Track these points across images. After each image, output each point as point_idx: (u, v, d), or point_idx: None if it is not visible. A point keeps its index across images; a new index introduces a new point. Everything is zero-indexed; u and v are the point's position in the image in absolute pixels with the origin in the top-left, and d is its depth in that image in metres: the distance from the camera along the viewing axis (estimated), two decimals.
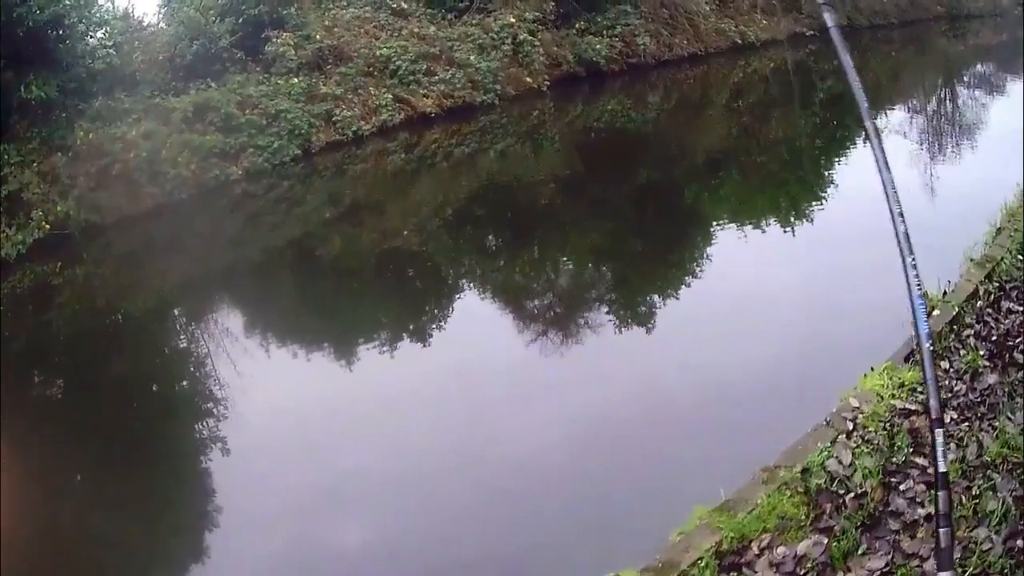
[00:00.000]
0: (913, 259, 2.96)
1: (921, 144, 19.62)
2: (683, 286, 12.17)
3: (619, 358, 9.84)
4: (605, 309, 11.75)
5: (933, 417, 2.99)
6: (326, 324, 12.23)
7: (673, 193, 17.44)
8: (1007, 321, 7.05)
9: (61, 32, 16.39)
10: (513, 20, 24.13)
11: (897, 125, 21.31)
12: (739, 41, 30.26)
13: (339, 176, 19.50)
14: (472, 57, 22.93)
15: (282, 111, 19.00)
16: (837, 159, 18.88)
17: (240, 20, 21.04)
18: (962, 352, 6.50)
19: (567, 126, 24.09)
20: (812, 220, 14.21)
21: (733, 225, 14.61)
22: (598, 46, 26.36)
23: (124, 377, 11.20)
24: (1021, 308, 7.29)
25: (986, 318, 7.09)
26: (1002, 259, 8.16)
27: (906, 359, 6.38)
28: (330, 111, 20.15)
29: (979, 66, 32.13)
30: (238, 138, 17.99)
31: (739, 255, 12.90)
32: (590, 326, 10.99)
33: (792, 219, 14.38)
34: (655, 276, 12.73)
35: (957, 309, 7.03)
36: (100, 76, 17.61)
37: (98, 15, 17.91)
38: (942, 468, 2.97)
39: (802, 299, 10.33)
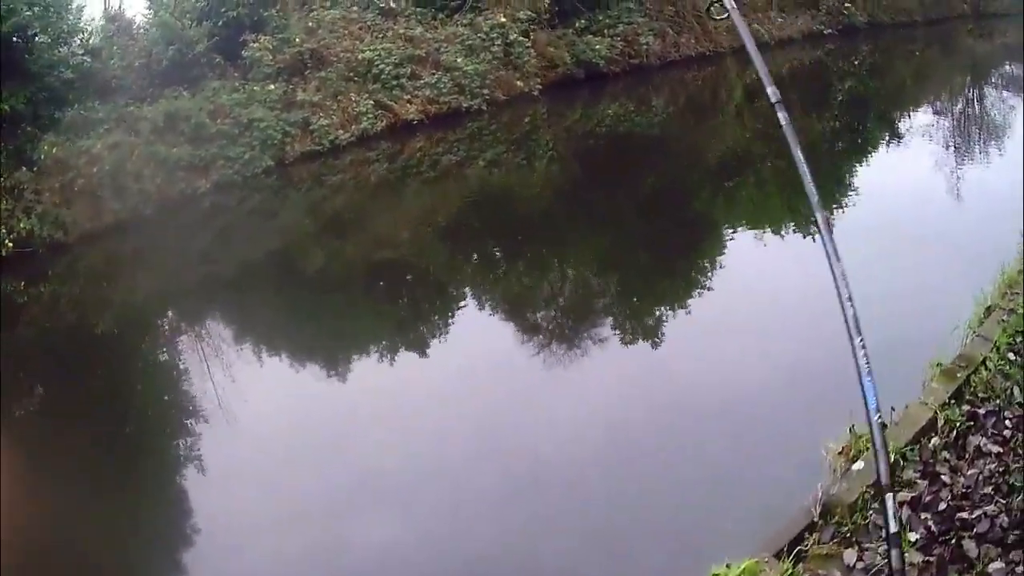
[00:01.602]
0: (862, 340, 3.33)
1: (947, 147, 19.66)
2: (689, 300, 12.73)
3: (629, 373, 10.48)
4: (608, 323, 12.34)
5: (883, 483, 3.42)
6: (308, 338, 12.85)
7: (680, 204, 17.76)
8: (971, 471, 5.32)
9: (26, 43, 16.69)
10: (504, 20, 24.42)
11: (922, 128, 21.30)
12: (754, 39, 30.07)
13: (316, 188, 20.05)
14: (460, 60, 23.32)
15: (255, 120, 19.54)
16: (858, 163, 19.11)
17: (219, 23, 21.63)
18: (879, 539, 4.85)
19: (564, 132, 24.47)
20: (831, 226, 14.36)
21: (747, 236, 15.08)
22: (598, 46, 26.54)
23: (98, 391, 11.85)
24: (997, 449, 5.55)
25: (938, 469, 5.44)
26: (984, 362, 6.65)
27: None
28: (307, 119, 20.70)
29: (1007, 66, 31.88)
30: (208, 149, 18.54)
31: (755, 265, 13.41)
32: (593, 341, 11.52)
33: (808, 227, 14.29)
34: (659, 290, 13.20)
35: (894, 456, 5.43)
36: (74, 85, 17.98)
37: (68, 23, 18.22)
38: (893, 529, 3.41)
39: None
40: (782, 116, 3.58)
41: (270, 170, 19.64)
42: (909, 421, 6.06)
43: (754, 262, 13.62)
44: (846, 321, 3.36)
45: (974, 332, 7.39)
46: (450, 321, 12.96)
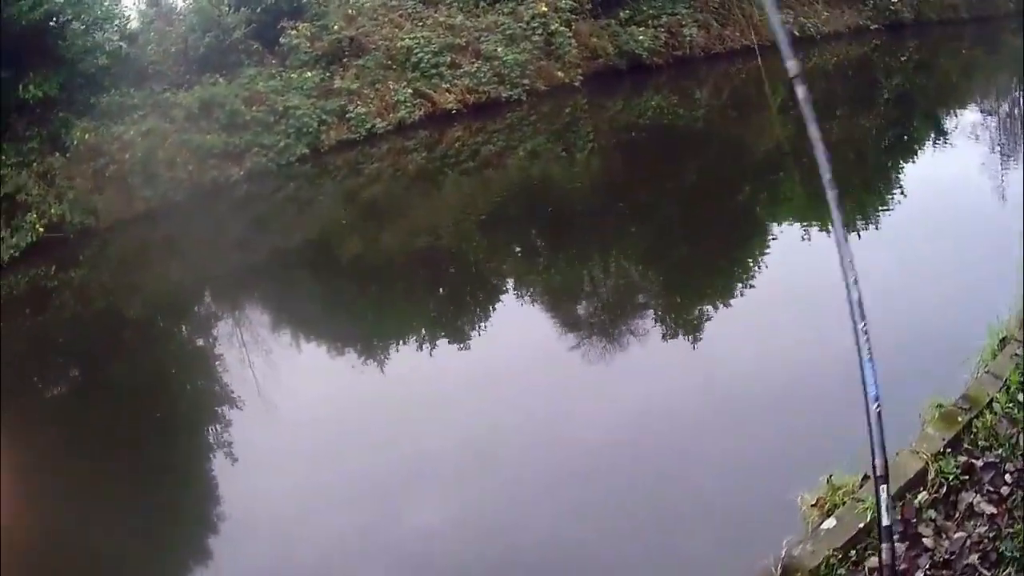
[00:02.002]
0: (864, 325, 3.27)
1: (992, 149, 18.91)
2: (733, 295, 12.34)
3: (670, 365, 10.39)
4: (650, 315, 12.10)
5: (878, 475, 3.32)
6: (346, 327, 12.87)
7: (724, 198, 17.18)
8: (958, 534, 4.74)
9: (60, 29, 16.52)
10: (545, 9, 23.86)
11: (967, 127, 20.57)
12: (797, 34, 29.29)
13: (353, 176, 19.72)
14: (500, 49, 22.81)
15: (291, 107, 19.23)
16: (905, 160, 18.45)
17: (258, 10, 21.37)
18: None
19: (605, 123, 23.94)
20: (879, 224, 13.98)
21: (793, 231, 14.55)
22: (641, 37, 25.89)
23: (127, 378, 11.77)
24: (991, 509, 4.97)
25: (921, 531, 4.84)
26: (990, 403, 5.85)
27: None
28: (344, 107, 20.37)
29: None
30: (243, 137, 18.29)
31: (797, 261, 13.03)
32: (635, 334, 11.33)
33: (857, 222, 14.03)
34: (702, 284, 12.86)
35: (871, 515, 4.82)
36: (110, 70, 17.86)
37: (103, 9, 18.05)
38: (886, 522, 3.29)
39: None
40: (800, 91, 3.49)
41: (305, 158, 19.35)
42: (896, 472, 5.21)
43: (797, 258, 13.17)
44: (850, 304, 3.33)
45: (985, 366, 6.54)
46: (492, 311, 12.76)
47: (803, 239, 13.91)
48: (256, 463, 9.08)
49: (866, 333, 3.31)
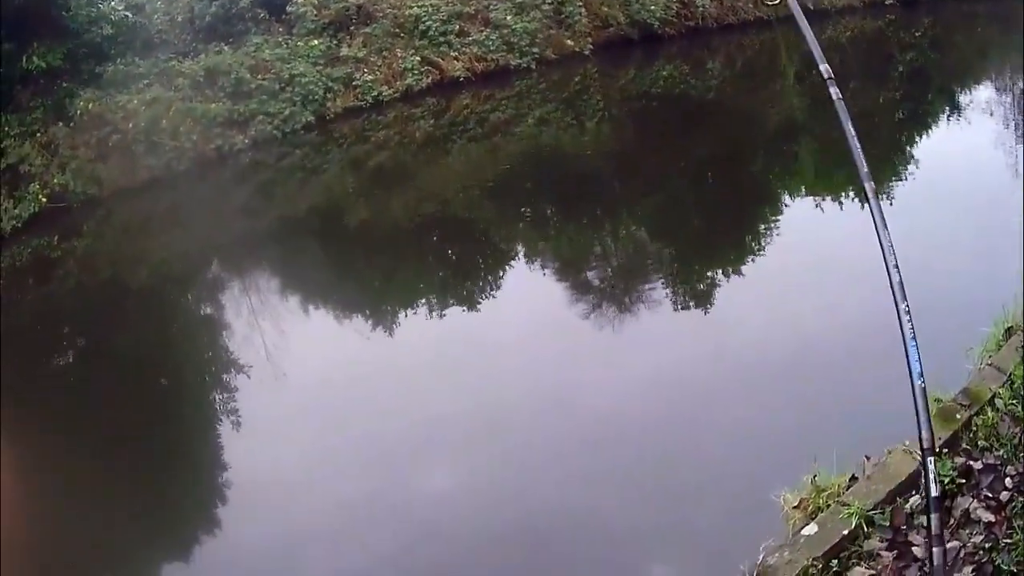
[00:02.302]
0: (907, 306, 3.35)
1: (1007, 125, 18.50)
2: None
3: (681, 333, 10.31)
4: (660, 283, 11.92)
5: (924, 447, 3.32)
6: (355, 293, 12.93)
7: (735, 168, 16.81)
8: (952, 544, 4.29)
9: (64, 0, 16.38)
10: None
11: (982, 103, 20.15)
12: (811, 7, 28.61)
13: (360, 144, 19.57)
14: (509, 17, 22.45)
15: (297, 75, 19.04)
16: (918, 135, 18.14)
17: None
18: None
19: (616, 92, 23.55)
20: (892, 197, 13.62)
21: (802, 202, 14.48)
22: (653, 6, 25.29)
23: (132, 347, 11.76)
24: (989, 517, 4.51)
25: (911, 539, 4.44)
26: (992, 399, 5.35)
27: None
28: (351, 74, 20.15)
29: None
30: (248, 105, 18.10)
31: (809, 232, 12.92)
32: (644, 303, 11.23)
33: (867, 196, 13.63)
34: (712, 253, 12.72)
35: (856, 521, 4.49)
36: (116, 39, 17.67)
37: None
38: (935, 493, 3.24)
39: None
40: (834, 92, 3.68)
41: (311, 126, 19.16)
42: (886, 474, 4.84)
43: (808, 228, 13.04)
44: (892, 287, 3.40)
45: (988, 358, 5.99)
46: (501, 278, 12.76)
47: (816, 207, 13.81)
48: (264, 429, 9.07)
49: (908, 313, 3.40)
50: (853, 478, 5.00)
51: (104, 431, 9.35)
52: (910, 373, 3.42)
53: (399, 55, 21.04)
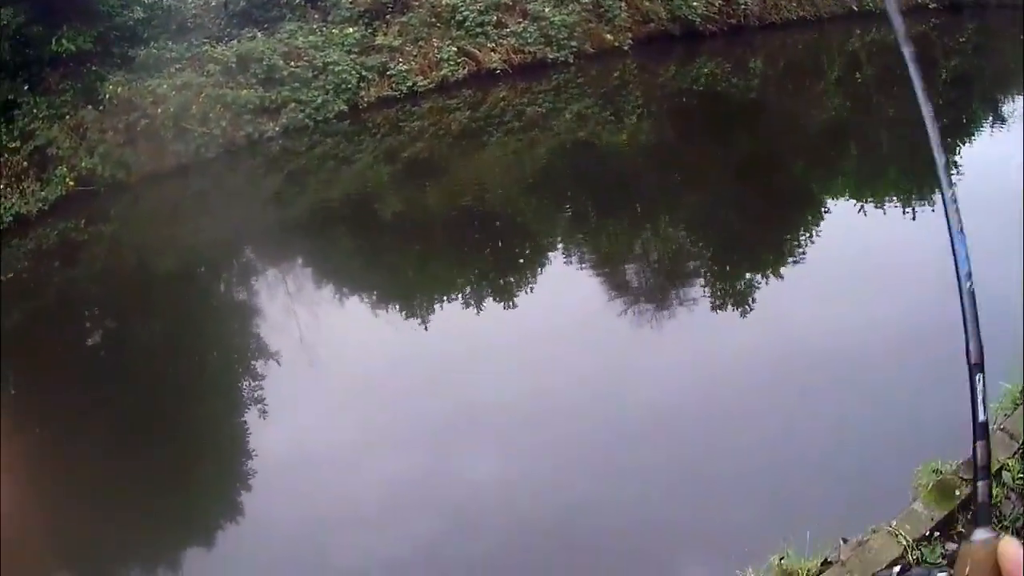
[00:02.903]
0: (953, 193, 2.33)
1: None
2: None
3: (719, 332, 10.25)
4: (699, 283, 11.87)
5: (972, 362, 2.35)
6: (389, 283, 12.89)
7: (777, 168, 16.49)
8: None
9: None
10: None
11: None
12: (855, 8, 27.81)
13: (393, 134, 19.15)
14: (547, 9, 21.87)
15: (330, 63, 18.62)
16: (960, 142, 17.34)
17: None
18: None
19: (656, 89, 22.91)
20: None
21: (844, 206, 13.99)
22: (694, 3, 24.52)
23: (160, 331, 12.00)
24: None
25: None
26: (999, 472, 4.85)
27: None
28: (385, 64, 19.68)
29: None
30: (280, 92, 17.75)
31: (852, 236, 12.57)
32: (681, 301, 11.19)
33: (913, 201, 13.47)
34: (752, 255, 12.45)
35: None
36: (150, 23, 17.38)
37: None
38: (981, 417, 2.30)
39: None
40: (907, 52, 2.50)
41: (343, 115, 18.76)
42: (862, 560, 4.33)
43: (852, 233, 12.64)
44: (936, 173, 2.29)
45: (1002, 421, 5.34)
46: (539, 272, 12.62)
47: (859, 212, 13.25)
48: (304, 414, 9.12)
49: (955, 202, 2.76)
50: (826, 563, 4.52)
51: (125, 418, 9.44)
52: (957, 273, 2.88)
53: (435, 45, 20.52)
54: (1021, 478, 4.63)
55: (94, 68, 16.49)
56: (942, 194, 2.82)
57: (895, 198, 13.68)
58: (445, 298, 11.98)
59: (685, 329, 10.36)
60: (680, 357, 9.43)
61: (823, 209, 13.83)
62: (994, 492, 4.37)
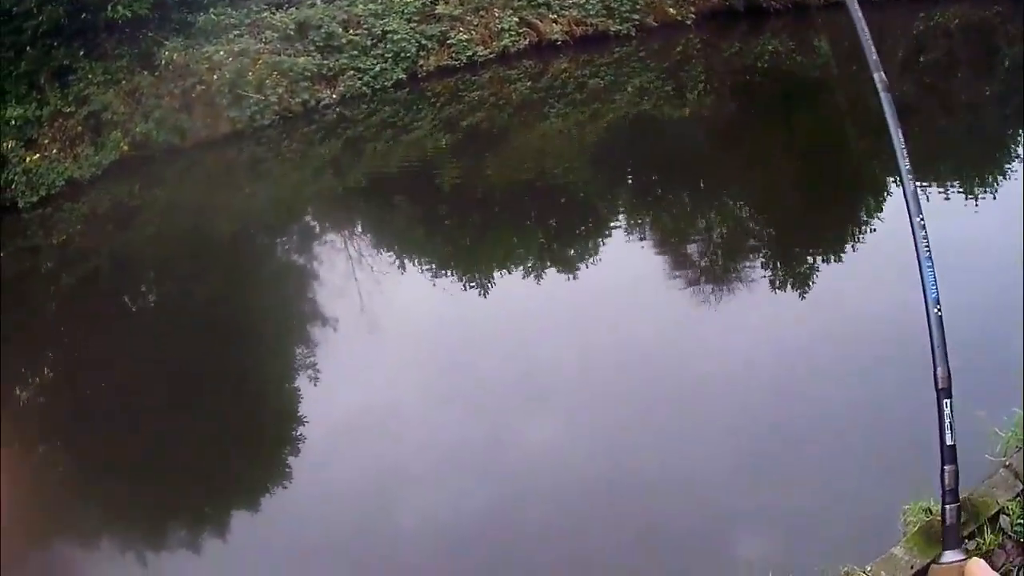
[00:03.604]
0: (921, 219, 2.65)
1: None
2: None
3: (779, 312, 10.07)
4: (759, 263, 11.52)
5: (940, 387, 2.61)
6: (448, 252, 12.75)
7: (841, 149, 15.52)
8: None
9: None
10: None
11: None
12: None
13: (453, 103, 18.66)
14: None
15: (390, 31, 18.18)
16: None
17: None
18: None
19: (720, 64, 22.09)
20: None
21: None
22: None
23: (219, 291, 11.91)
24: None
25: None
26: (996, 516, 4.43)
27: None
28: (445, 32, 19.15)
29: None
30: (338, 59, 17.43)
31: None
32: (742, 280, 10.90)
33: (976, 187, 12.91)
34: (815, 236, 12.03)
35: None
36: None
37: None
38: (949, 441, 2.60)
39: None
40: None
41: (401, 83, 18.32)
42: None
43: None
44: (904, 197, 2.61)
45: (1009, 455, 4.79)
46: (598, 245, 12.28)
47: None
48: (364, 380, 9.14)
49: (924, 227, 2.69)
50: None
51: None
52: (925, 298, 2.74)
53: (496, 15, 19.92)
54: (1021, 524, 4.14)
55: (150, 34, 16.17)
56: (911, 220, 2.66)
57: (956, 184, 13.11)
58: (504, 269, 11.76)
59: (742, 307, 10.11)
60: (735, 335, 9.17)
61: (885, 192, 13.14)
62: (988, 539, 4.28)
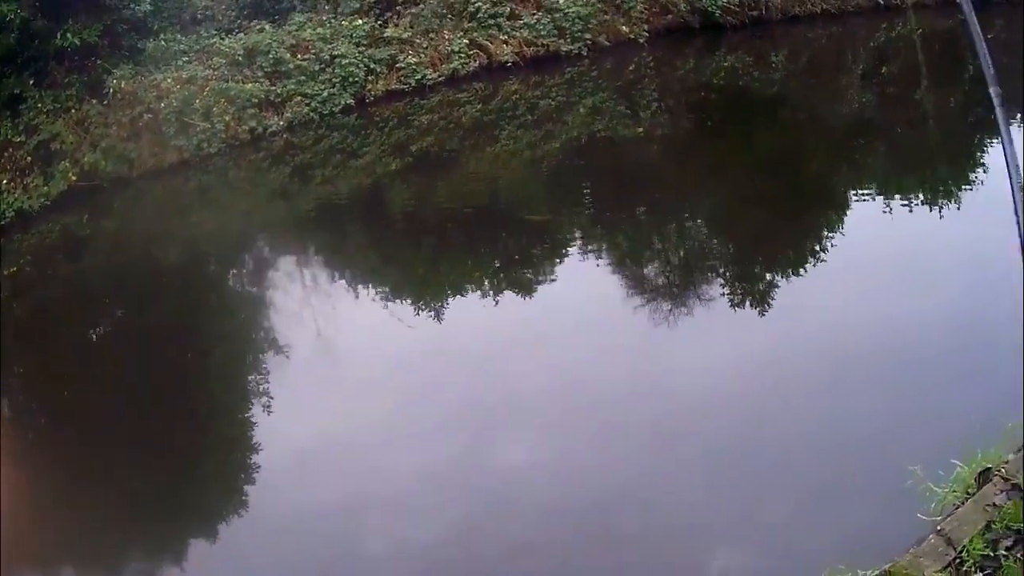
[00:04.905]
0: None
1: None
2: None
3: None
4: (718, 281, 11.96)
5: None
6: (401, 278, 13.02)
7: (799, 164, 16.26)
8: None
9: None
10: None
11: None
12: (881, 2, 27.21)
13: (402, 128, 19.11)
14: (562, 1, 21.43)
15: (338, 56, 18.77)
16: (989, 138, 17.04)
17: None
18: None
19: (674, 82, 22.54)
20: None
21: (868, 205, 13.74)
22: None
23: (166, 325, 12.07)
24: None
25: None
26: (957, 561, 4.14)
27: None
28: (394, 56, 19.72)
29: None
30: (285, 85, 17.96)
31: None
32: (700, 299, 11.24)
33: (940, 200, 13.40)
34: (771, 253, 12.40)
35: None
36: (160, 14, 17.62)
37: None
38: None
39: None
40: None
41: (350, 108, 18.85)
42: None
43: (876, 230, 12.49)
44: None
45: (951, 507, 4.54)
46: (553, 268, 12.65)
47: (884, 212, 13.07)
48: (319, 409, 9.29)
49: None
50: None
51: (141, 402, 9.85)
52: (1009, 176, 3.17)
53: (446, 37, 20.48)
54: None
55: (100, 62, 16.61)
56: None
57: (920, 196, 13.53)
58: (460, 293, 12.16)
59: (701, 327, 10.45)
60: (694, 355, 9.52)
61: (846, 207, 13.65)
62: None
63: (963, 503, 4.42)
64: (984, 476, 4.55)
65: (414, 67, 19.62)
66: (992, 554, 4.03)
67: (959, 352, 8.47)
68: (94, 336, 12.80)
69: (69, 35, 15.79)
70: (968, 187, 13.55)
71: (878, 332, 9.02)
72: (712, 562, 6.66)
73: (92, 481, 8.48)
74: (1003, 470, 4.50)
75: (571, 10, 21.59)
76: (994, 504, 4.29)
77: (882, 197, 13.76)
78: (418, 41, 20.14)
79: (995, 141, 16.49)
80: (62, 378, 10.83)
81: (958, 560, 4.04)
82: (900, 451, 6.09)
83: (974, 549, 4.05)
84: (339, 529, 7.56)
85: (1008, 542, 4.07)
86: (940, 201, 13.16)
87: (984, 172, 14.20)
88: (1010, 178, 2.78)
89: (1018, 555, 4.02)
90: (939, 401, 7.64)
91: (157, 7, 17.60)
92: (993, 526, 4.17)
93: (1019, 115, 15.01)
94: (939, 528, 4.24)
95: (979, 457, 4.77)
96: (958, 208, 12.67)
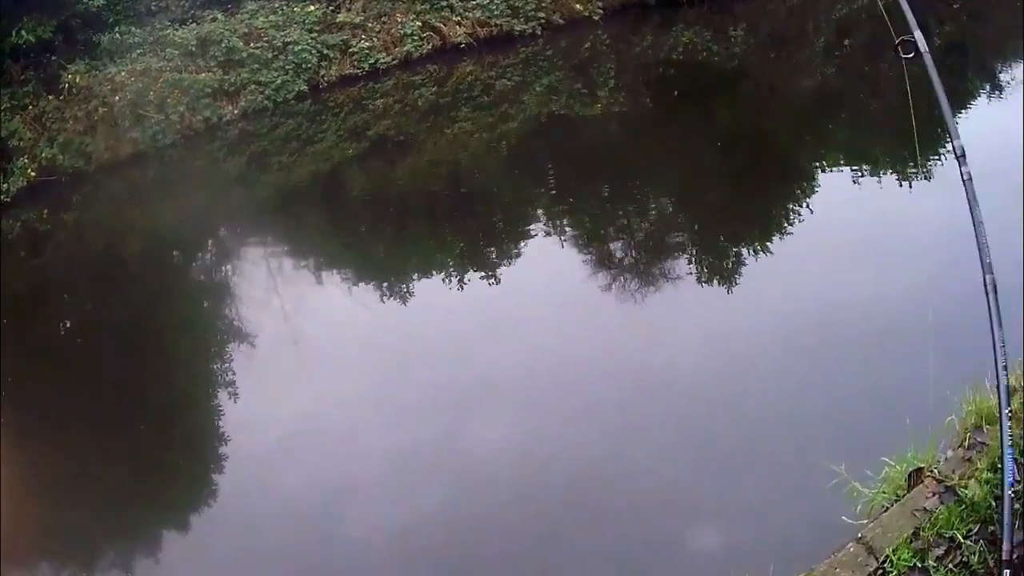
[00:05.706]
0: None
1: None
2: None
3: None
4: (684, 258, 12.23)
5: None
6: (361, 262, 13.37)
7: (762, 139, 16.48)
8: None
9: None
10: None
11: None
12: None
13: (357, 112, 19.56)
14: None
15: (291, 43, 19.15)
16: (957, 113, 17.39)
17: None
18: None
19: (631, 60, 22.85)
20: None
21: (833, 177, 14.10)
22: None
23: (129, 316, 12.36)
24: None
25: None
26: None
27: None
28: (347, 41, 20.11)
29: None
30: (239, 74, 18.36)
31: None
32: (667, 278, 11.54)
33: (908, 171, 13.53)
34: (736, 229, 12.66)
35: None
36: (116, 7, 17.90)
37: None
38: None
39: None
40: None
41: (304, 95, 19.20)
42: None
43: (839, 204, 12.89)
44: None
45: (871, 517, 4.23)
46: (516, 249, 13.01)
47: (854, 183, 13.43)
48: (288, 395, 9.52)
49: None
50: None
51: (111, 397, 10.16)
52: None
53: (399, 20, 20.81)
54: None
55: (55, 58, 16.94)
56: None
57: (888, 169, 13.77)
58: (424, 276, 12.53)
59: (668, 304, 10.80)
60: (662, 333, 9.79)
61: (812, 180, 14.00)
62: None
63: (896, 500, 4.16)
64: (916, 476, 4.23)
65: (367, 51, 19.96)
66: (920, 565, 3.75)
67: (907, 335, 7.91)
68: (61, 330, 13.12)
69: (24, 32, 16.22)
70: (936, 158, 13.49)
71: (829, 312, 9.21)
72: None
73: (60, 474, 8.65)
74: (936, 471, 4.15)
75: None
76: (924, 508, 3.96)
77: (849, 168, 14.10)
78: (371, 25, 20.48)
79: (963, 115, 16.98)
80: (26, 373, 10.94)
81: (880, 571, 3.77)
82: (829, 445, 6.13)
83: (899, 560, 3.77)
84: (313, 512, 7.73)
85: (939, 551, 3.77)
86: (908, 173, 13.28)
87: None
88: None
89: (950, 566, 3.73)
90: (877, 391, 7.62)
91: (111, 1, 17.94)
92: (922, 533, 3.85)
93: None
94: (859, 535, 3.92)
95: (910, 456, 4.41)
96: (928, 181, 12.80)
